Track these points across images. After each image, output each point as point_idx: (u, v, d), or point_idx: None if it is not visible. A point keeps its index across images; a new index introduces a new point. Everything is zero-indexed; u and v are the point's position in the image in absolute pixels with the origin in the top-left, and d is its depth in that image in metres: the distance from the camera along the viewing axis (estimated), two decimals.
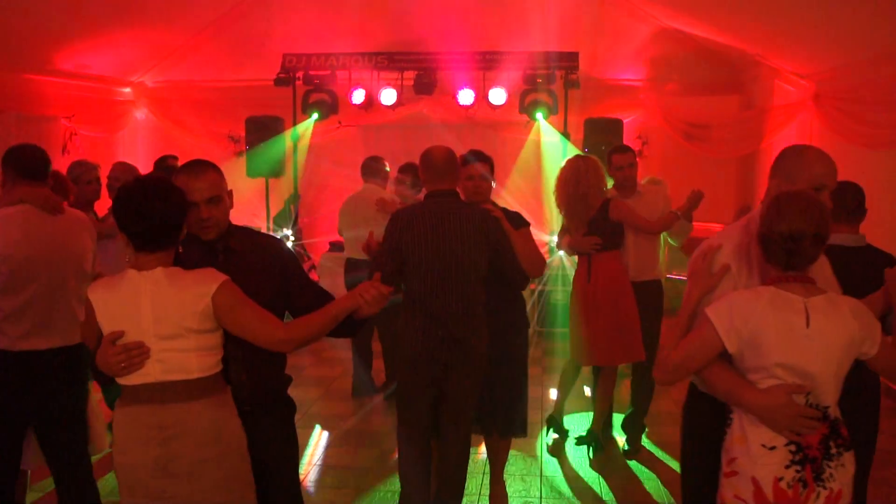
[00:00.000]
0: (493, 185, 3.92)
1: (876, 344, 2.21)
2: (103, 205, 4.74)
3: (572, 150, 7.38)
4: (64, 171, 4.50)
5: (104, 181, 5.01)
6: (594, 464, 4.73)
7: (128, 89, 9.65)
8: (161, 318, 2.36)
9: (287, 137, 8.49)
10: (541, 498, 4.27)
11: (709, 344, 2.26)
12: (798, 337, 2.16)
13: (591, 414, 5.03)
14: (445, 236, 3.41)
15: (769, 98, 8.24)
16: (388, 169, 6.17)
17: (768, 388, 2.19)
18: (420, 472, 3.61)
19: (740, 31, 7.79)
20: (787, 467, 2.16)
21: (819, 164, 2.48)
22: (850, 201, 3.14)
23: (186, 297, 2.36)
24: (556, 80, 8.11)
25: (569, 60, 8.08)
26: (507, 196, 9.45)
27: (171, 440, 2.36)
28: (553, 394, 6.21)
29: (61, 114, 8.25)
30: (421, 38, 8.49)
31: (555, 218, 7.36)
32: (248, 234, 2.76)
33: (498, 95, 8.24)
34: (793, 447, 2.17)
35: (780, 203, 2.24)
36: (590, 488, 4.42)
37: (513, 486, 4.36)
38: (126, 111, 9.67)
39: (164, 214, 2.38)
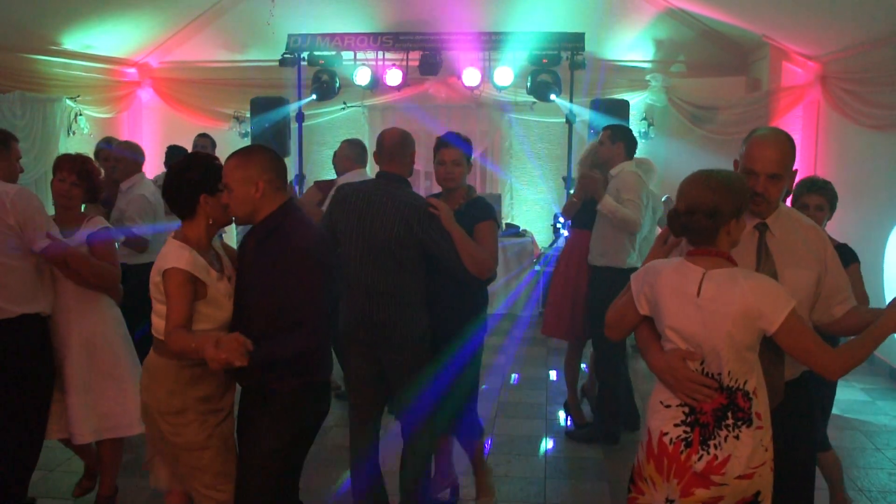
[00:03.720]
0: (469, 168, 3.60)
1: (774, 323, 2.19)
2: None
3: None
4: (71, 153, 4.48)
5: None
6: (589, 443, 4.76)
7: (133, 69, 9.64)
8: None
9: (292, 118, 8.48)
10: (545, 478, 4.31)
11: (630, 306, 2.44)
12: (686, 303, 2.26)
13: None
14: (370, 218, 3.28)
15: (776, 79, 8.19)
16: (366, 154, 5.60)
17: (667, 350, 2.32)
18: (360, 447, 3.46)
19: (747, 11, 7.74)
20: (676, 426, 2.28)
21: (753, 147, 2.45)
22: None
23: (156, 265, 2.68)
24: (562, 60, 8.08)
25: (574, 41, 8.05)
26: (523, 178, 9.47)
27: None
28: (553, 375, 6.26)
29: (66, 94, 8.25)
30: (426, 18, 8.45)
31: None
32: (274, 228, 2.70)
33: (503, 76, 8.22)
34: (686, 409, 2.28)
35: (683, 183, 2.33)
36: (593, 467, 4.45)
37: (517, 466, 4.41)
38: (131, 91, 9.66)
39: (168, 186, 2.76)
